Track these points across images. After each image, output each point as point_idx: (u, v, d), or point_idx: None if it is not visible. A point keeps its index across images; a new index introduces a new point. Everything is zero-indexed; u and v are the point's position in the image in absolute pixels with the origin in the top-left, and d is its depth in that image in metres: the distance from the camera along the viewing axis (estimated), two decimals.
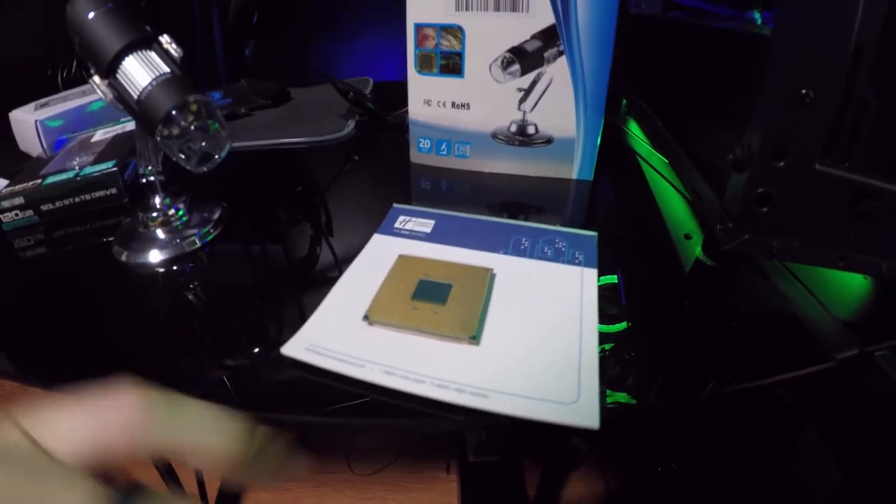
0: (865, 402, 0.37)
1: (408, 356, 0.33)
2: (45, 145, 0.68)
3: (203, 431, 0.20)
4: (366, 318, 0.36)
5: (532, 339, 0.35)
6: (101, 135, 0.65)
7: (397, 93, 0.60)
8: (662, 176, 0.59)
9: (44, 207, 0.53)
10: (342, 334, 0.35)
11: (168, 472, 0.81)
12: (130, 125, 0.66)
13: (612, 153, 0.65)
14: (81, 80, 0.81)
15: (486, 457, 0.97)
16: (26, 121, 0.68)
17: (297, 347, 0.34)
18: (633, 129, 0.72)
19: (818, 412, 0.47)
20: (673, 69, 0.65)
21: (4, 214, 0.53)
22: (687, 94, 0.60)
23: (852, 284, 0.42)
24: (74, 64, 0.82)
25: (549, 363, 0.33)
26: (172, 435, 0.19)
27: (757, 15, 0.73)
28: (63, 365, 0.37)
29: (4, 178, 0.65)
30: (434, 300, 0.37)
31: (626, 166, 0.64)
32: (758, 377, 0.34)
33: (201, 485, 0.94)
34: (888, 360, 0.34)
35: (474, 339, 0.34)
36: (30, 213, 0.53)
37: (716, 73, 0.53)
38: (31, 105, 0.72)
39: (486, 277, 0.40)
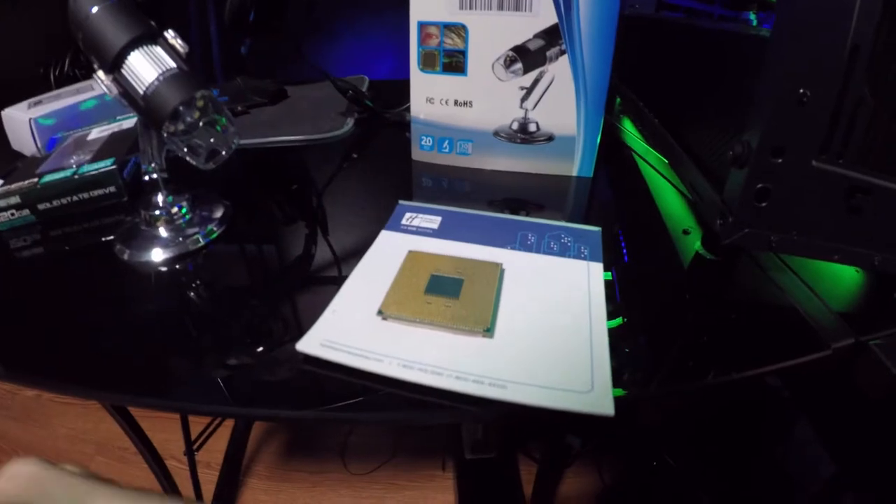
0: (861, 390, 0.37)
1: (424, 350, 0.33)
2: (39, 144, 0.67)
3: None
4: (380, 313, 0.36)
5: (544, 331, 0.36)
6: (97, 133, 0.64)
7: (393, 91, 0.61)
8: (659, 172, 0.60)
9: (41, 206, 0.53)
10: (357, 330, 0.35)
11: (163, 472, 0.81)
12: (127, 123, 0.66)
13: (609, 150, 0.65)
14: (74, 77, 0.80)
15: (482, 454, 0.98)
16: (20, 119, 0.67)
17: (311, 343, 0.34)
18: (628, 126, 0.73)
19: (813, 405, 0.48)
20: (669, 68, 0.66)
21: (0, 214, 0.52)
22: (684, 93, 0.60)
23: (847, 277, 0.43)
24: (67, 61, 0.81)
25: (562, 354, 0.34)
26: None
27: (752, 16, 0.74)
28: (72, 366, 0.37)
29: None
30: (447, 294, 0.37)
31: (624, 163, 0.65)
32: (756, 366, 0.35)
33: (197, 486, 0.94)
34: (883, 348, 0.35)
35: (488, 331, 0.35)
36: (26, 212, 0.52)
37: (713, 73, 0.54)
38: (25, 103, 0.71)
39: (496, 272, 0.40)
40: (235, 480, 1.07)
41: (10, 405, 1.23)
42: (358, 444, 1.14)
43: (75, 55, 0.81)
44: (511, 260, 0.42)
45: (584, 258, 0.43)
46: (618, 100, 0.80)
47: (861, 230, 0.37)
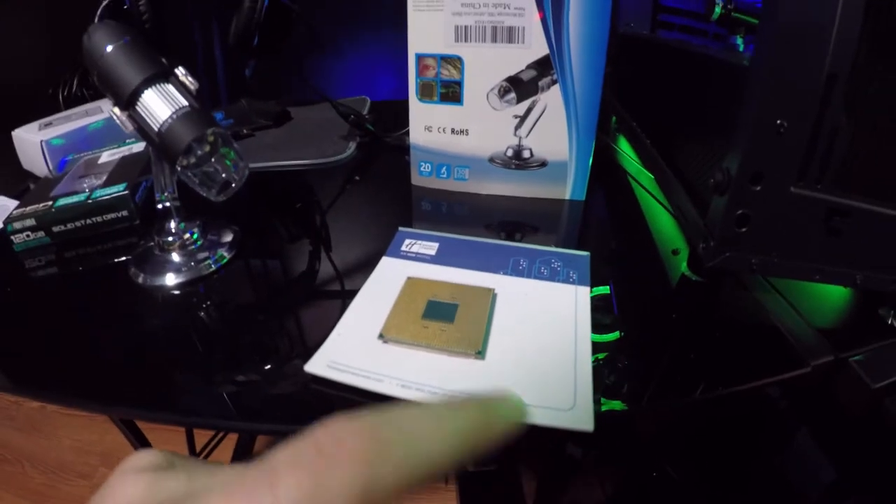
0: (842, 407, 0.39)
1: (420, 371, 0.36)
2: (50, 165, 0.70)
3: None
4: (381, 336, 0.38)
5: (531, 352, 0.38)
6: (107, 156, 0.67)
7: (394, 112, 0.62)
8: (650, 194, 0.62)
9: (55, 229, 0.55)
10: (360, 352, 0.37)
11: None
12: (137, 147, 0.68)
13: (603, 171, 0.67)
14: (83, 98, 0.82)
15: (483, 466, 0.99)
16: (31, 141, 0.69)
17: (319, 364, 0.36)
18: (623, 146, 0.75)
19: (811, 414, 0.49)
20: (660, 89, 0.68)
21: (16, 235, 0.54)
22: (673, 115, 0.62)
23: (834, 295, 0.44)
24: (76, 82, 0.83)
25: (547, 374, 0.36)
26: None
27: (740, 41, 0.76)
28: (84, 381, 0.39)
29: (11, 197, 0.66)
30: (442, 319, 0.40)
31: (617, 185, 0.67)
32: (737, 383, 0.36)
33: None
34: (863, 364, 0.37)
35: (480, 353, 0.37)
36: (41, 234, 0.55)
37: (700, 96, 0.56)
38: (35, 124, 0.73)
39: (488, 297, 0.42)
40: None
41: (15, 416, 1.25)
42: None
43: (83, 76, 0.83)
44: (503, 284, 0.45)
45: (573, 282, 0.45)
46: (613, 119, 0.82)
47: (841, 251, 0.38)
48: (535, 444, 1.03)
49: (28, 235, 0.55)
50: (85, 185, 0.59)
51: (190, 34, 0.88)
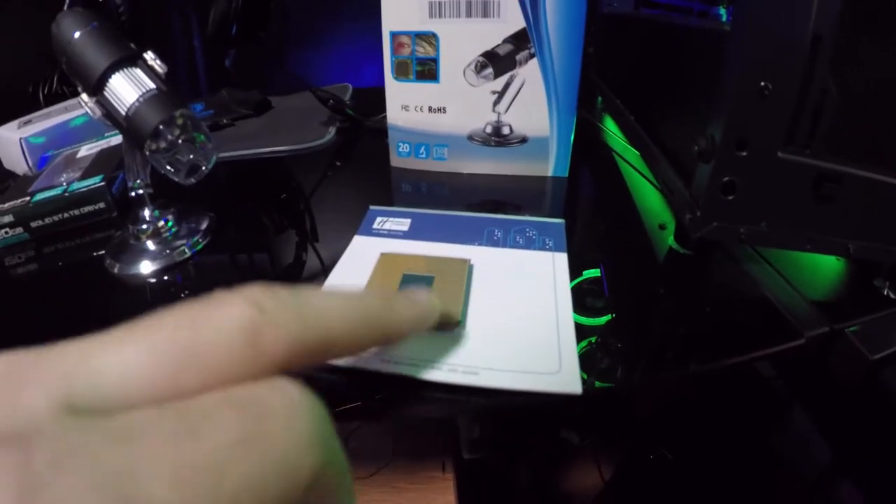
0: (837, 378, 0.38)
1: (400, 344, 0.35)
2: (30, 163, 0.69)
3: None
4: None
5: (513, 319, 0.37)
6: (86, 150, 0.66)
7: (376, 98, 0.62)
8: (636, 170, 0.61)
9: (33, 224, 0.54)
10: None
11: None
12: (115, 140, 0.67)
13: (588, 150, 0.67)
14: (63, 95, 0.82)
15: (480, 453, 0.99)
16: (10, 139, 0.69)
17: None
18: (609, 125, 0.74)
19: (807, 391, 0.49)
20: (643, 65, 0.67)
21: None
22: (655, 89, 0.62)
23: (828, 265, 0.44)
24: (56, 79, 0.82)
25: (530, 339, 0.35)
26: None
27: (722, 11, 0.75)
28: None
29: None
30: None
31: (602, 162, 0.67)
32: (729, 357, 0.35)
33: None
34: (859, 335, 0.36)
35: (460, 323, 0.37)
36: (20, 230, 0.54)
37: (682, 68, 0.55)
38: (15, 123, 0.73)
39: (464, 267, 0.42)
40: None
41: None
42: (357, 449, 1.14)
43: (63, 73, 0.82)
44: (479, 255, 0.44)
45: (549, 249, 0.45)
46: (599, 99, 0.81)
47: (833, 218, 0.37)
48: (530, 430, 1.04)
49: (7, 232, 0.54)
50: (63, 180, 0.58)
51: (168, 24, 0.88)
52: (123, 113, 0.41)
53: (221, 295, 0.16)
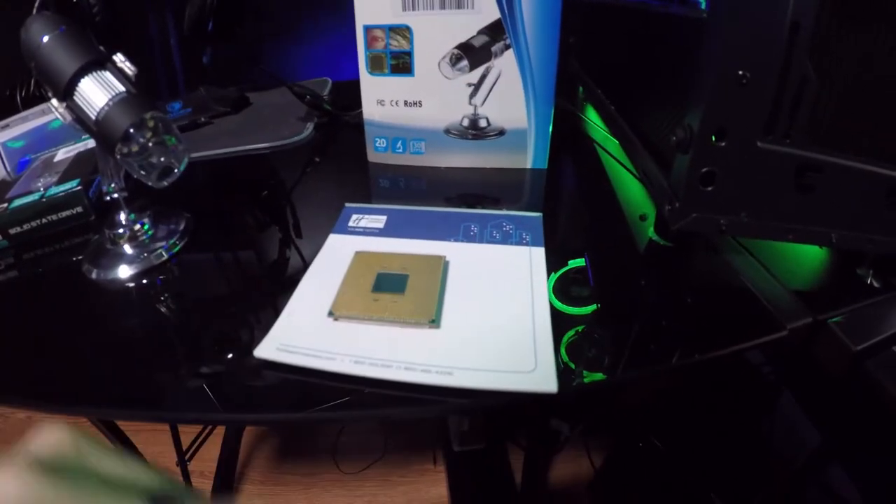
0: (822, 368, 0.38)
1: (374, 345, 0.35)
2: (8, 167, 0.68)
3: None
4: (331, 314, 0.38)
5: (488, 317, 0.38)
6: (63, 154, 0.66)
7: (355, 92, 0.62)
8: (618, 160, 0.61)
9: (12, 231, 0.54)
10: (310, 332, 0.37)
11: None
12: (92, 143, 0.67)
13: (569, 141, 0.67)
14: (41, 98, 0.81)
15: (470, 446, 1.00)
16: None
17: (268, 348, 0.36)
18: (591, 116, 0.74)
19: (796, 379, 0.49)
20: (623, 54, 0.67)
21: None
22: (636, 79, 0.61)
23: (811, 256, 0.43)
24: (33, 82, 0.81)
25: (506, 338, 0.35)
26: None
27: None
28: (43, 385, 0.38)
29: None
30: (393, 290, 0.39)
31: (583, 153, 0.66)
32: (712, 349, 0.35)
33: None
34: (842, 326, 0.36)
35: (434, 322, 0.37)
36: None
37: (662, 57, 0.55)
38: None
39: (440, 265, 0.42)
40: (230, 487, 1.08)
41: (2, 428, 1.24)
42: (349, 444, 1.15)
43: None
44: (455, 251, 0.44)
45: (527, 244, 0.45)
46: (581, 89, 0.81)
47: (815, 208, 0.37)
48: (520, 421, 1.04)
49: None
50: (40, 184, 0.58)
51: (145, 24, 0.87)
52: (93, 117, 0.41)
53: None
